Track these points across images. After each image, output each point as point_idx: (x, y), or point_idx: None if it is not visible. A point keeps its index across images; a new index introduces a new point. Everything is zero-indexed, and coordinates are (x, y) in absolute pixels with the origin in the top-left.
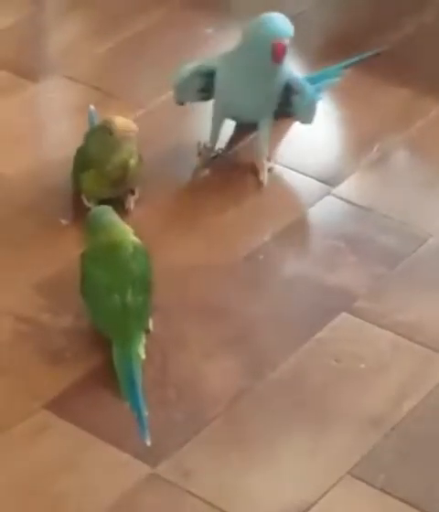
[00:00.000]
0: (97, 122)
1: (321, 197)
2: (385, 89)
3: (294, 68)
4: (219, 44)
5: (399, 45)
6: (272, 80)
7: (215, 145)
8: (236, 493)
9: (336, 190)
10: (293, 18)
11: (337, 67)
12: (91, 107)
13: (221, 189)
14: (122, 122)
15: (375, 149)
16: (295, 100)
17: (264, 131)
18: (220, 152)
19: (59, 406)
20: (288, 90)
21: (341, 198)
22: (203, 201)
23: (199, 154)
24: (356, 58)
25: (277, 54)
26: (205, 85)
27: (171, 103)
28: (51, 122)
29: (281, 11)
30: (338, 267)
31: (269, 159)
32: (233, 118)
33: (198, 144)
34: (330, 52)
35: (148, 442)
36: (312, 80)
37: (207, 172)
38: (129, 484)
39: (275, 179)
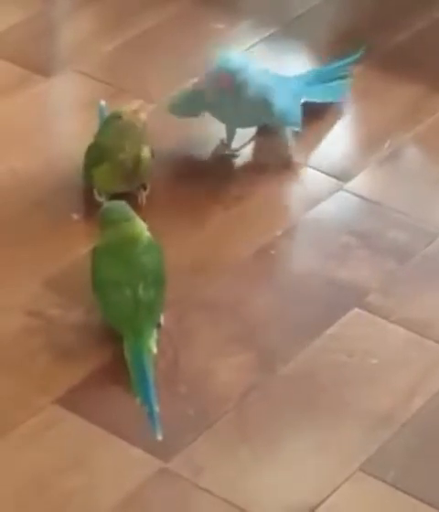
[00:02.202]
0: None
1: (333, 193)
2: (396, 85)
3: (303, 63)
4: (229, 40)
5: (409, 41)
6: (240, 102)
7: (230, 144)
8: (247, 488)
9: (347, 186)
10: (302, 14)
11: (338, 66)
12: (102, 102)
13: (232, 184)
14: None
15: (386, 145)
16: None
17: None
18: (236, 153)
19: (70, 401)
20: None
21: (353, 194)
22: (213, 196)
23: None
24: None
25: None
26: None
27: None
28: (62, 116)
29: (290, 7)
30: (350, 262)
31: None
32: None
33: (222, 141)
34: (339, 48)
35: (159, 437)
36: (313, 80)
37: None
38: (140, 478)
39: (287, 174)
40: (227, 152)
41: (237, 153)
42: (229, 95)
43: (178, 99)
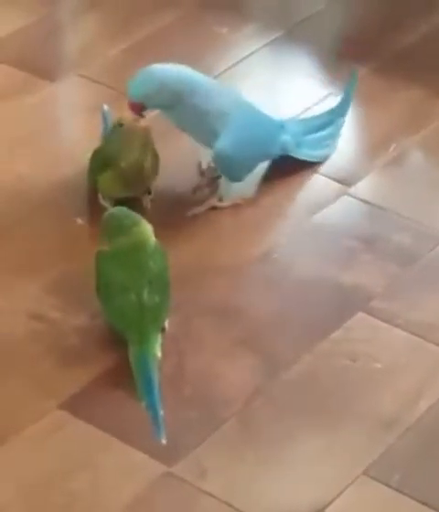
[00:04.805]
0: (111, 121)
1: (337, 197)
2: (400, 89)
3: (309, 69)
4: (233, 44)
5: (414, 45)
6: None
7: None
8: (251, 492)
9: (352, 190)
10: (306, 19)
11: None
12: (105, 107)
13: None
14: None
15: (391, 149)
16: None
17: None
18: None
19: (75, 405)
20: None
21: (357, 198)
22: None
23: (202, 173)
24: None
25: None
26: None
27: None
28: (67, 121)
29: (294, 11)
30: (354, 266)
31: (221, 199)
32: None
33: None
34: (344, 53)
35: (163, 441)
36: (306, 129)
37: (206, 191)
38: (144, 483)
39: (292, 179)
40: (216, 174)
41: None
42: (166, 114)
43: None
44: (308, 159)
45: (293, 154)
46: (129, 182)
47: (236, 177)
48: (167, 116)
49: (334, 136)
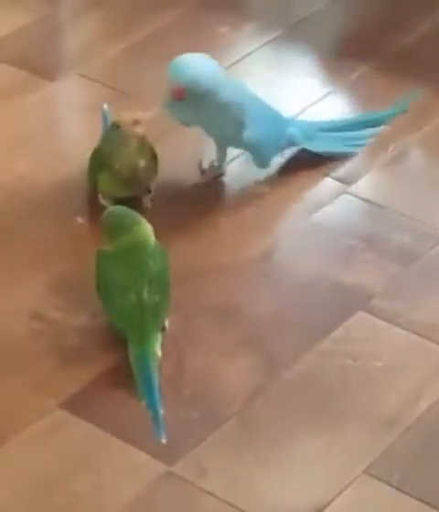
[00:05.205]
0: (111, 120)
1: (337, 196)
2: (400, 88)
3: (309, 68)
4: (233, 43)
5: (414, 44)
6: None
7: (222, 165)
8: (252, 491)
9: (352, 189)
10: (306, 18)
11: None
12: (105, 106)
13: (236, 187)
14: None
15: (391, 148)
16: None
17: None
18: (224, 171)
19: (75, 405)
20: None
21: (357, 197)
22: (218, 200)
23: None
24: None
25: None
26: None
27: None
28: (67, 120)
29: (294, 10)
30: (354, 265)
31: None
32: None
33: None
34: (344, 51)
35: (164, 441)
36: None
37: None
38: (145, 482)
39: (291, 177)
40: (217, 173)
41: (222, 171)
42: (186, 106)
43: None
44: (322, 151)
45: (306, 146)
46: (124, 182)
47: (266, 163)
48: (185, 111)
49: (356, 139)
